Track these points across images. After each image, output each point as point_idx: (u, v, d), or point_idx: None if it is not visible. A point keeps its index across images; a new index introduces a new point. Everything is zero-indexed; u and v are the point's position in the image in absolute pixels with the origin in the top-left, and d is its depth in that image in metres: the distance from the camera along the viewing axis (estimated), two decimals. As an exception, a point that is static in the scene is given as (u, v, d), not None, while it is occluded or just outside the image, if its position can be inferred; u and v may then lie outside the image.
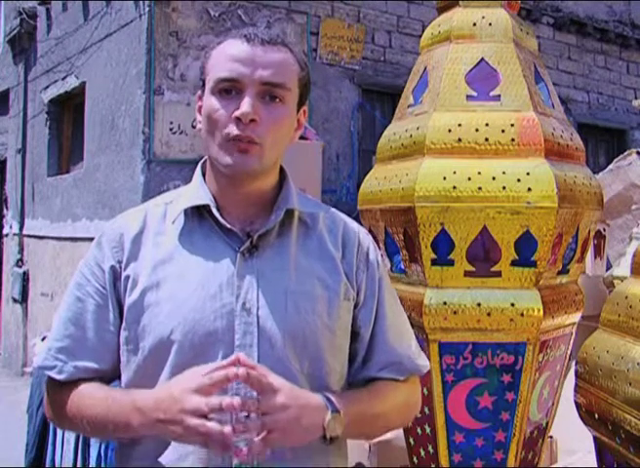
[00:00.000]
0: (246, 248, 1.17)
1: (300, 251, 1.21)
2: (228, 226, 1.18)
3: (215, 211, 1.18)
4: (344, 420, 1.10)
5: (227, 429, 0.98)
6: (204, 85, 1.19)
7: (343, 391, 1.23)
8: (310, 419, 1.07)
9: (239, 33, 1.18)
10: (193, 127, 5.05)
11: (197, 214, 1.21)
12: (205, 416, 1.00)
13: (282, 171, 1.27)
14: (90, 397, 1.16)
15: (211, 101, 1.16)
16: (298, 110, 1.23)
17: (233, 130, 1.13)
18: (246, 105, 1.12)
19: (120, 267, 1.19)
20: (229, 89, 1.14)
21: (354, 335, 1.26)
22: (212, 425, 0.99)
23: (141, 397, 1.09)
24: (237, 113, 1.12)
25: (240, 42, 1.16)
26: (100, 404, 1.13)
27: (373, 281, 1.27)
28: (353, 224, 1.31)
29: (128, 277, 1.18)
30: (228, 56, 1.15)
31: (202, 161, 1.27)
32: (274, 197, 1.23)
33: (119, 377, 1.23)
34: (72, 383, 1.20)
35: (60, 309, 1.24)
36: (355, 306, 1.25)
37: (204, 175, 1.26)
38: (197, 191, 1.22)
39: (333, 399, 1.11)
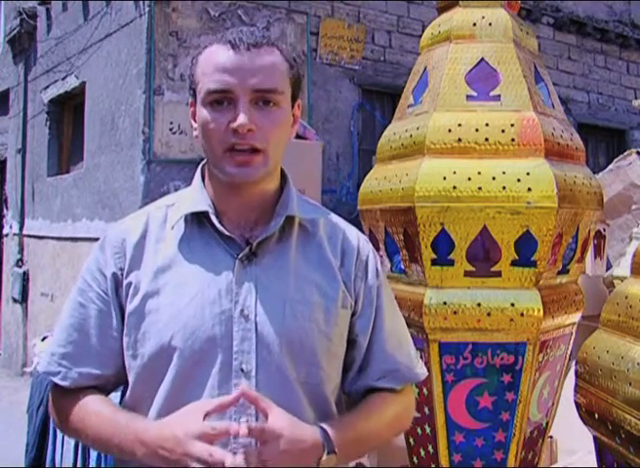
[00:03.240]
0: (245, 254, 1.17)
1: (300, 257, 1.21)
2: (227, 233, 1.18)
3: (213, 218, 1.18)
4: (339, 456, 1.11)
5: None
6: (195, 93, 1.19)
7: (337, 405, 1.23)
8: (306, 460, 1.08)
9: (224, 38, 1.16)
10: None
11: (196, 219, 1.21)
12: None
13: (283, 174, 1.27)
14: (95, 415, 1.16)
15: (204, 113, 1.15)
16: (292, 106, 1.22)
17: (231, 139, 1.13)
18: (242, 117, 1.11)
19: (122, 274, 1.19)
20: (221, 100, 1.14)
21: (351, 343, 1.25)
22: None
23: (144, 430, 1.09)
24: (234, 125, 1.12)
25: (225, 49, 1.15)
26: (104, 425, 1.14)
27: (371, 289, 1.27)
28: (353, 232, 1.31)
29: (130, 284, 1.18)
30: (216, 66, 1.14)
31: (202, 164, 1.27)
32: (275, 202, 1.23)
33: (124, 382, 1.23)
34: (77, 391, 1.20)
35: (63, 314, 1.24)
36: (353, 314, 1.25)
37: (204, 178, 1.25)
38: (197, 196, 1.22)
39: (330, 434, 1.11)
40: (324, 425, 1.13)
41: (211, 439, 1.03)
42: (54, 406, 1.25)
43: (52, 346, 1.23)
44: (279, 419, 1.06)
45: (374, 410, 1.22)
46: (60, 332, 1.23)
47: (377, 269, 1.29)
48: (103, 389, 1.23)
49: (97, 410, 1.16)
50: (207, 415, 1.05)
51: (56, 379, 1.21)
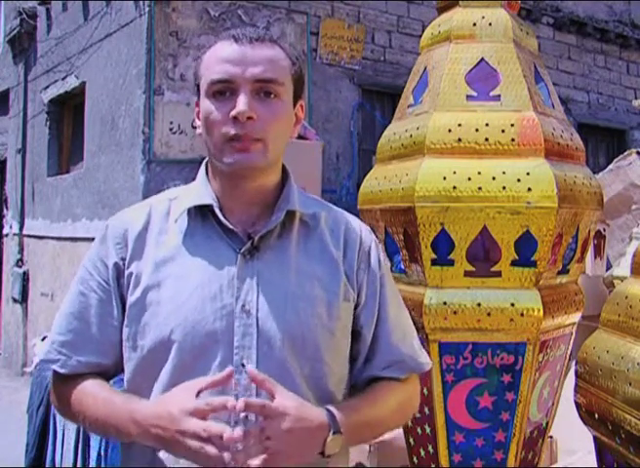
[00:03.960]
0: (247, 249, 1.17)
1: (301, 252, 1.21)
2: (230, 227, 1.18)
3: (217, 211, 1.19)
4: (345, 439, 1.11)
5: (227, 456, 0.99)
6: (199, 90, 1.20)
7: (344, 399, 1.23)
8: (312, 441, 1.08)
9: (227, 34, 1.19)
10: (193, 127, 5.06)
11: (200, 213, 1.21)
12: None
13: (284, 170, 1.28)
14: (92, 397, 1.17)
15: (206, 104, 1.16)
16: (294, 105, 1.23)
17: (231, 129, 1.14)
18: (241, 104, 1.12)
19: (123, 264, 1.20)
20: (223, 90, 1.15)
21: (355, 335, 1.26)
22: (210, 449, 1.00)
23: (139, 409, 1.09)
24: (233, 112, 1.13)
25: (229, 43, 1.17)
26: (101, 407, 1.14)
27: (374, 280, 1.27)
28: (355, 223, 1.32)
29: (131, 274, 1.19)
30: (218, 58, 1.16)
31: (206, 160, 1.27)
32: (276, 197, 1.23)
33: (123, 372, 1.23)
34: (76, 377, 1.21)
35: (64, 303, 1.25)
36: (356, 306, 1.25)
37: (208, 173, 1.26)
38: (201, 190, 1.23)
39: (336, 416, 1.11)
40: (330, 407, 1.13)
41: (205, 414, 1.02)
42: (54, 392, 1.26)
43: (52, 334, 1.24)
44: (286, 398, 1.06)
45: (379, 397, 1.22)
46: (60, 321, 1.24)
47: (379, 260, 1.29)
48: (102, 377, 1.23)
49: (94, 393, 1.17)
50: (200, 393, 1.05)
51: (55, 367, 1.21)
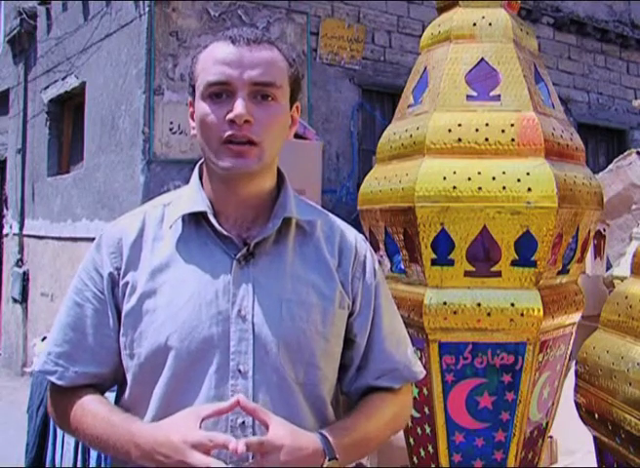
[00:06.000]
0: (242, 255, 1.17)
1: (297, 258, 1.21)
2: (225, 233, 1.17)
3: (211, 217, 1.18)
4: (340, 461, 1.11)
5: None
6: (194, 91, 1.19)
7: (332, 405, 1.23)
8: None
9: (224, 35, 1.17)
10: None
11: (194, 219, 1.20)
12: None
13: (280, 174, 1.27)
14: (92, 415, 1.16)
15: (202, 106, 1.15)
16: (290, 107, 1.22)
17: (228, 131, 1.13)
18: (239, 107, 1.11)
19: (118, 274, 1.19)
20: (220, 92, 1.14)
21: (349, 343, 1.25)
22: None
23: (140, 433, 1.09)
24: (231, 115, 1.12)
25: (226, 44, 1.15)
26: (101, 426, 1.14)
27: (369, 289, 1.27)
28: (351, 231, 1.31)
29: (126, 284, 1.18)
30: (216, 59, 1.15)
31: (199, 164, 1.27)
32: (272, 201, 1.23)
33: (121, 380, 1.23)
34: (74, 390, 1.20)
35: (60, 314, 1.24)
36: (351, 314, 1.25)
37: (201, 177, 1.25)
38: (194, 196, 1.22)
39: (331, 441, 1.11)
40: (324, 431, 1.13)
41: (207, 450, 1.03)
42: (52, 404, 1.26)
43: (48, 345, 1.23)
44: (279, 429, 1.06)
45: (373, 412, 1.22)
46: (56, 332, 1.23)
47: (374, 269, 1.29)
48: (100, 387, 1.24)
49: (93, 411, 1.16)
50: (203, 421, 1.06)
51: (52, 378, 1.21)
